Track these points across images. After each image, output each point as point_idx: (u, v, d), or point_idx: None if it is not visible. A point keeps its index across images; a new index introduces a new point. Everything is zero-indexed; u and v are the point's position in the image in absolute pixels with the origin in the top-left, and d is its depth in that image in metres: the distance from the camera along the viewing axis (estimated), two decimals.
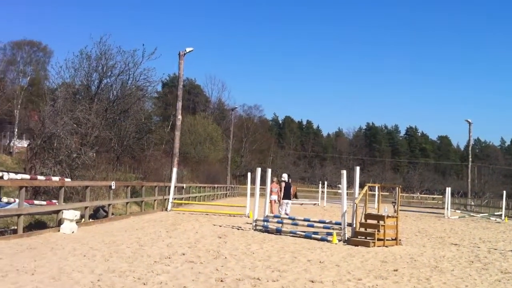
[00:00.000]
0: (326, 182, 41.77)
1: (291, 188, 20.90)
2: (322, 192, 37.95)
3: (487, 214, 31.91)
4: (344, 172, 14.92)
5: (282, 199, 19.43)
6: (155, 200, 23.03)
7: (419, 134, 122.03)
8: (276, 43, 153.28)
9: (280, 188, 19.79)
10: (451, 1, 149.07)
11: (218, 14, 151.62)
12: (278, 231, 15.36)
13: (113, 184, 17.81)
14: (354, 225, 13.96)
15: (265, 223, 16.04)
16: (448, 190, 31.39)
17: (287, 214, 18.63)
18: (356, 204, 14.12)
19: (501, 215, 29.64)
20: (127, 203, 19.65)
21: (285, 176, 20.04)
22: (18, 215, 12.07)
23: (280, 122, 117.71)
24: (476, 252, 13.29)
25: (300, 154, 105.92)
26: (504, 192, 31.93)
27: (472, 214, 32.93)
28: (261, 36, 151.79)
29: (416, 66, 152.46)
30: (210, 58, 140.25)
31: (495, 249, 14.07)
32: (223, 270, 8.84)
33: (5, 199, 14.38)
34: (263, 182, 17.83)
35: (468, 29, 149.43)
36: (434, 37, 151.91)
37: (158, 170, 36.50)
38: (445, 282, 8.81)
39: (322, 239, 13.97)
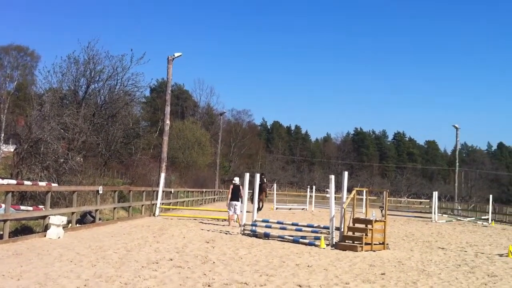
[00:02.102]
0: (314, 187, 41.75)
1: (263, 189, 25.05)
2: (311, 196, 37.94)
3: (474, 218, 32.14)
4: (333, 176, 14.96)
5: (230, 200, 19.73)
6: (142, 205, 22.90)
7: (407, 139, 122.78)
8: (265, 49, 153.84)
9: (230, 190, 20.41)
10: (439, 6, 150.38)
11: (207, 19, 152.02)
12: (266, 236, 15.36)
13: (100, 189, 17.70)
14: (342, 230, 13.99)
15: (254, 227, 16.03)
16: (435, 194, 31.57)
17: (236, 215, 19.36)
18: (344, 209, 14.15)
19: (487, 219, 29.88)
20: (114, 208, 19.52)
21: (236, 180, 20.50)
22: (4, 221, 11.94)
23: (269, 127, 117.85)
24: (463, 256, 13.38)
25: (289, 159, 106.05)
26: (491, 196, 32.18)
27: (459, 218, 33.13)
28: (249, 42, 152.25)
29: (404, 72, 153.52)
30: (199, 63, 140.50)
31: (482, 253, 14.17)
32: (210, 275, 8.81)
33: None
34: (251, 187, 17.83)
35: (454, 34, 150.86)
36: (420, 43, 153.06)
37: (146, 175, 36.30)
38: (432, 286, 8.86)
39: (310, 244, 13.98)
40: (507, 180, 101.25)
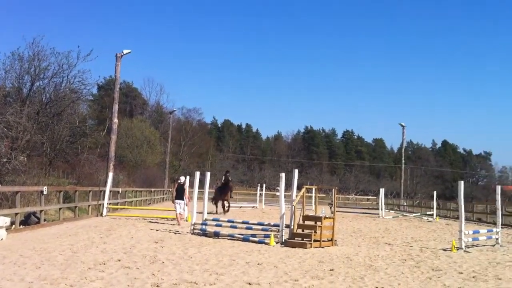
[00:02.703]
0: (264, 185, 41.98)
1: (229, 188, 26.51)
2: (261, 194, 38.15)
3: (419, 213, 33.07)
4: (283, 174, 15.04)
5: (175, 199, 19.80)
6: (89, 206, 22.40)
7: (355, 137, 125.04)
8: (215, 47, 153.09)
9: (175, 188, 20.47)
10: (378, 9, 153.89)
11: (156, 17, 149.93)
12: (216, 235, 15.31)
13: (45, 190, 17.19)
14: (292, 227, 14.11)
15: (203, 226, 15.94)
16: (382, 191, 32.35)
17: (181, 214, 19.55)
18: (294, 206, 14.28)
19: (432, 214, 30.80)
20: (60, 209, 19.01)
21: (182, 179, 20.52)
22: None
23: (219, 125, 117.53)
24: (408, 251, 13.72)
25: (239, 157, 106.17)
26: (435, 192, 33.22)
27: (405, 214, 34.01)
28: (198, 40, 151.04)
29: (352, 71, 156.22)
30: (148, 61, 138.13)
31: (427, 248, 14.57)
32: (159, 275, 8.69)
33: None
34: (201, 185, 17.71)
35: (396, 33, 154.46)
36: (366, 42, 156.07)
37: (92, 175, 35.50)
38: (379, 281, 9.04)
39: (260, 242, 14.02)
40: (450, 177, 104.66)
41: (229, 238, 14.87)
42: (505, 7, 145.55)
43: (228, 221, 16.39)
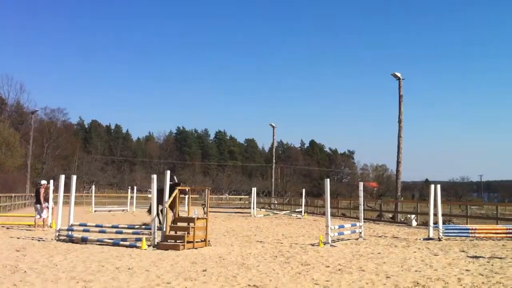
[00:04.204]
0: (135, 187, 40.99)
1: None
2: (132, 197, 37.17)
3: (289, 211, 34.31)
4: (155, 176, 14.73)
5: (35, 204, 19.40)
6: None
7: (228, 138, 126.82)
8: (82, 43, 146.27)
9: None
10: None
11: (14, 8, 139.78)
12: (84, 240, 14.59)
13: None
14: (164, 229, 13.87)
15: (70, 232, 15.10)
16: (254, 190, 33.10)
17: (43, 219, 19.12)
18: (166, 208, 14.05)
19: (301, 211, 32.09)
20: None
21: (43, 182, 20.01)
22: None
23: (87, 126, 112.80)
24: (279, 247, 14.11)
25: (108, 159, 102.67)
26: (304, 190, 34.66)
27: (275, 212, 35.10)
28: (60, 37, 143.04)
29: (222, 72, 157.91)
30: (6, 57, 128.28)
31: (296, 244, 15.10)
32: (21, 285, 8.07)
33: None
34: (67, 189, 16.77)
35: (261, 35, 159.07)
36: (227, 44, 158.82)
37: None
38: (251, 278, 9.16)
39: (131, 246, 13.60)
40: (318, 175, 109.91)
41: (98, 243, 14.24)
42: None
43: (97, 226, 15.71)
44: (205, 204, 15.98)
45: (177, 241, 13.50)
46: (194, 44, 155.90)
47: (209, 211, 15.90)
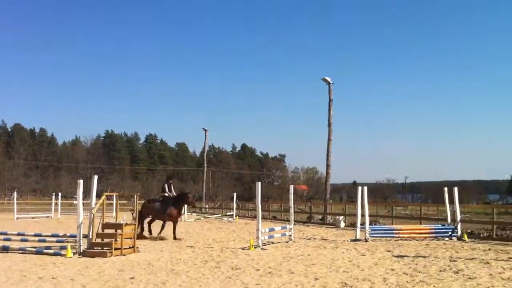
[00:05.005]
0: (60, 193, 39.57)
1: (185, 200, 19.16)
2: (56, 204, 35.83)
3: (220, 215, 34.21)
4: (81, 181, 14.23)
5: None
6: None
7: (158, 141, 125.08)
8: (2, 43, 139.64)
9: None
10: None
11: None
12: (5, 249, 13.88)
13: None
14: (91, 236, 13.43)
15: None
16: None
17: None
18: (93, 214, 13.61)
19: (232, 215, 32.10)
20: None
21: None
22: None
23: (9, 129, 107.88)
24: (210, 252, 14.00)
25: (32, 164, 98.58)
26: (235, 194, 34.73)
27: (207, 216, 34.91)
28: None
29: (153, 75, 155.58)
30: None
31: (227, 248, 15.04)
32: None
33: None
34: None
35: (182, 37, 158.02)
36: (158, 45, 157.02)
37: None
38: (181, 284, 9.02)
39: (55, 254, 13.08)
40: (249, 179, 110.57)
41: (20, 252, 13.59)
42: None
43: (18, 234, 15.00)
44: (134, 210, 15.65)
45: (104, 248, 13.11)
46: (125, 44, 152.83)
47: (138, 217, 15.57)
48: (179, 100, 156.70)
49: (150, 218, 19.28)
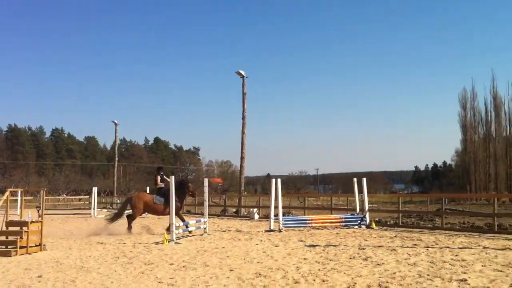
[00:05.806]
0: None
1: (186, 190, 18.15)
2: None
3: (130, 210, 33.43)
4: None
5: None
6: None
7: (66, 135, 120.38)
8: None
9: None
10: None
11: None
12: None
13: None
14: None
15: None
16: (95, 189, 31.82)
17: None
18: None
19: None
20: None
21: None
22: None
23: None
24: (121, 248, 13.65)
25: None
26: (148, 188, 34.08)
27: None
28: None
29: (60, 66, 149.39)
30: None
31: (140, 243, 14.72)
32: None
33: None
34: None
35: (129, 30, 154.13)
36: (62, 36, 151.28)
37: None
38: (91, 282, 8.73)
39: None
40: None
41: None
42: None
43: None
44: (40, 207, 14.96)
45: (9, 247, 12.46)
46: (26, 35, 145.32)
47: (45, 214, 14.94)
48: (88, 92, 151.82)
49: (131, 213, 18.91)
